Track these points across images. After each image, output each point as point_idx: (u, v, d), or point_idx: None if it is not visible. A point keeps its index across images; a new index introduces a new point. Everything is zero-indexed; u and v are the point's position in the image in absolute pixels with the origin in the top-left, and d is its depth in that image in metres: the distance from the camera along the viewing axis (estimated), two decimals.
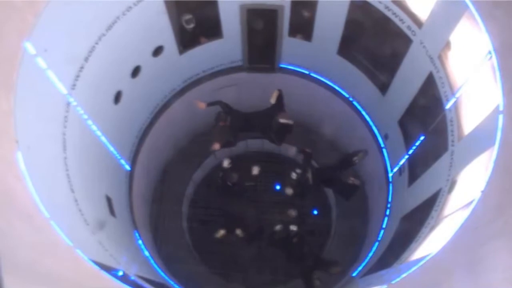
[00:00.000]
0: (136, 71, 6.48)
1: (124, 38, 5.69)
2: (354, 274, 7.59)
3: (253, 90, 8.50)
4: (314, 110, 9.25)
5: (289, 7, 6.82)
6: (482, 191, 3.96)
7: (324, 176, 8.14)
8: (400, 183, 7.39)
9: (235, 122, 6.92)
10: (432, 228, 5.43)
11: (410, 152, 6.89)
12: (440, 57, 5.47)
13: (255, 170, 8.30)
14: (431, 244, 4.98)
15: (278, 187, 9.93)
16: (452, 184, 5.35)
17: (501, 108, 4.04)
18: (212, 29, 7.22)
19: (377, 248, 7.59)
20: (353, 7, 6.31)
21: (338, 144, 9.79)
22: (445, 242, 4.06)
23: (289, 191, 8.25)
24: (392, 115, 7.18)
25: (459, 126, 5.29)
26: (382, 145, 7.98)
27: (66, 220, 4.29)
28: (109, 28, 5.32)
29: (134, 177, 7.55)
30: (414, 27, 5.74)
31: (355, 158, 7.81)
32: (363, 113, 8.15)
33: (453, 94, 5.34)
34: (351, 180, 7.81)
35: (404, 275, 4.20)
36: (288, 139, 7.95)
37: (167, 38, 6.71)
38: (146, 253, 7.32)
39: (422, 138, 6.50)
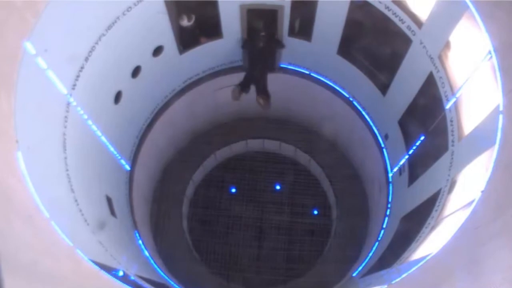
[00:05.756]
0: (136, 71, 6.48)
1: (124, 38, 5.69)
2: (354, 274, 7.59)
3: (253, 90, 8.48)
4: (314, 110, 9.25)
5: (289, 7, 6.82)
6: (482, 191, 3.96)
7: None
8: (400, 183, 7.39)
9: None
10: (432, 228, 5.43)
11: (410, 152, 6.89)
12: (440, 57, 5.47)
13: None
14: (431, 244, 4.99)
15: (278, 187, 9.94)
16: (452, 184, 5.36)
17: (501, 108, 4.05)
18: (212, 29, 7.21)
19: (377, 248, 7.59)
20: (353, 7, 6.31)
21: (338, 144, 9.80)
22: (445, 242, 4.06)
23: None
24: (392, 115, 7.18)
25: (459, 126, 5.29)
26: (382, 145, 7.98)
27: (66, 220, 4.29)
28: (109, 28, 5.32)
29: (134, 177, 7.55)
30: (414, 27, 5.73)
31: None
32: (363, 113, 8.15)
33: (453, 94, 5.34)
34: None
35: (404, 275, 4.20)
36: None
37: (167, 38, 6.71)
38: (146, 253, 7.33)
39: (422, 138, 6.50)
